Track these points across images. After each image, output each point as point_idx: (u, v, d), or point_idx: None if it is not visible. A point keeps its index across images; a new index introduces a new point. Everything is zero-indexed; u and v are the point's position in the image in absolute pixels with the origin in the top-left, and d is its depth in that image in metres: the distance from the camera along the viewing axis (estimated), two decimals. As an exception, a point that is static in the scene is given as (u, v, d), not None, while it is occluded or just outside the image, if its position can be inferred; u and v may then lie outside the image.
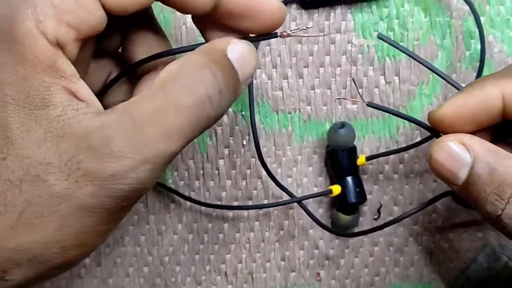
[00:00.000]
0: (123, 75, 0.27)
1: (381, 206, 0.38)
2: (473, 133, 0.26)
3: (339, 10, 0.36)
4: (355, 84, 0.30)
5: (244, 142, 0.38)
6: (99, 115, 0.22)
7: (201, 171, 0.38)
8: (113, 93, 0.28)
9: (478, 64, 0.36)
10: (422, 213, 0.38)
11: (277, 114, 0.37)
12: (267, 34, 0.26)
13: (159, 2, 0.24)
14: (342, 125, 0.35)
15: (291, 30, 0.26)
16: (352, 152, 0.36)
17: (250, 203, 0.38)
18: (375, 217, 0.38)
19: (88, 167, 0.21)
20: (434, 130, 0.27)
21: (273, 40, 0.36)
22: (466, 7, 0.36)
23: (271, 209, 0.38)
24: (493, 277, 0.38)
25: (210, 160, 0.38)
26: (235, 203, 0.38)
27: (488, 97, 0.25)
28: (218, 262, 0.39)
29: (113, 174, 0.21)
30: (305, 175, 0.38)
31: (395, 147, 0.37)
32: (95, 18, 0.22)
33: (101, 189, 0.22)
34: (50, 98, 0.21)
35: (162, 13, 0.36)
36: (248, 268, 0.39)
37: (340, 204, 0.37)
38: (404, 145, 0.36)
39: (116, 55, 0.28)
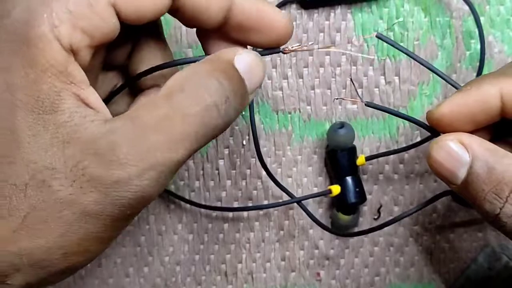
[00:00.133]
0: (125, 86, 0.27)
1: (381, 206, 0.38)
2: (472, 132, 0.26)
3: (339, 10, 0.36)
4: (353, 84, 0.30)
5: (244, 142, 0.38)
6: (105, 122, 0.22)
7: (201, 171, 0.38)
8: (115, 105, 0.28)
9: (478, 64, 0.36)
10: (422, 213, 0.38)
11: (277, 114, 0.37)
12: (270, 48, 0.26)
13: None
14: (342, 125, 0.35)
15: (293, 46, 0.26)
16: (351, 152, 0.36)
17: (250, 203, 0.38)
18: (375, 217, 0.38)
19: (93, 173, 0.21)
20: (433, 129, 0.27)
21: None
22: (466, 7, 0.36)
23: (271, 209, 0.38)
24: (493, 277, 0.38)
25: (210, 160, 0.38)
26: (235, 203, 0.38)
27: (486, 96, 0.25)
28: (218, 262, 0.39)
29: (117, 181, 0.21)
30: (305, 175, 0.38)
31: (395, 147, 0.37)
32: (109, 26, 0.22)
33: (106, 196, 0.22)
34: (59, 104, 0.21)
35: (162, 13, 0.36)
36: (248, 268, 0.39)
37: (339, 204, 0.37)
38: (404, 145, 0.36)
39: (123, 68, 0.28)
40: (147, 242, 0.39)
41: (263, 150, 0.37)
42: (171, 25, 0.36)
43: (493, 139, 0.27)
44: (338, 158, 0.36)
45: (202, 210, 0.38)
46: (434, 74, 0.28)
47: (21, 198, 0.21)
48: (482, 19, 0.36)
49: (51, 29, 0.21)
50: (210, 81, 0.23)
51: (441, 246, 0.39)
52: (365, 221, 0.38)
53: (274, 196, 0.38)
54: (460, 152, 0.25)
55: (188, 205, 0.38)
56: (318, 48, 0.27)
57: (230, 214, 0.38)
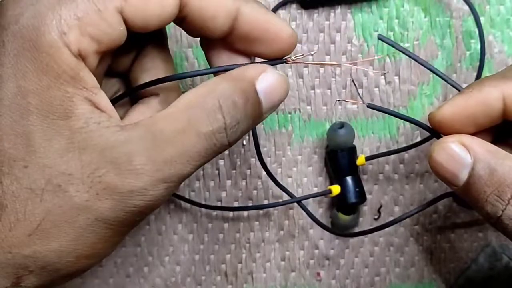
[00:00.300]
0: (127, 95, 0.28)
1: (381, 206, 0.38)
2: (474, 134, 0.26)
3: (339, 10, 0.36)
4: (355, 85, 0.30)
5: (244, 142, 0.38)
6: (121, 129, 0.22)
7: (201, 171, 0.38)
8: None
9: (478, 64, 0.36)
10: (423, 214, 0.38)
11: (277, 114, 0.37)
12: (274, 59, 0.26)
13: None
14: (342, 125, 0.35)
15: (296, 56, 0.26)
16: (351, 152, 0.36)
17: (250, 203, 0.38)
18: (375, 217, 0.38)
19: (110, 181, 0.22)
20: (435, 130, 0.27)
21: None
22: (466, 7, 0.35)
23: (271, 209, 0.38)
24: (494, 278, 0.38)
25: (210, 161, 0.38)
26: (235, 203, 0.38)
27: (488, 99, 0.25)
28: (218, 262, 0.39)
29: (132, 190, 0.22)
30: (305, 175, 0.38)
31: (395, 147, 0.37)
32: (116, 32, 0.22)
33: (120, 204, 0.22)
34: (72, 109, 0.22)
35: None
36: (248, 268, 0.39)
37: (340, 204, 0.37)
38: (404, 145, 0.36)
39: (124, 75, 0.28)
40: (147, 242, 0.39)
41: (263, 150, 0.37)
42: (171, 25, 0.36)
43: (495, 141, 0.27)
44: (338, 158, 0.36)
45: (203, 210, 0.38)
46: (434, 75, 0.28)
47: (37, 202, 0.22)
48: (482, 19, 0.36)
49: (60, 36, 0.21)
50: (227, 102, 0.23)
51: (441, 246, 0.39)
52: (365, 221, 0.38)
53: (274, 196, 0.38)
54: (461, 154, 0.24)
55: (188, 205, 0.38)
56: (322, 63, 0.27)
57: (230, 214, 0.38)
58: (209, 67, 0.27)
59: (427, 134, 0.35)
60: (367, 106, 0.27)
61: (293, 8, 0.36)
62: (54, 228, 0.22)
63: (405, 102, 0.37)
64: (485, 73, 0.36)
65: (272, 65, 0.25)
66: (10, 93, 0.21)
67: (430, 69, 0.28)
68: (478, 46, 0.36)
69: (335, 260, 0.39)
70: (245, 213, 0.38)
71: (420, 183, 0.38)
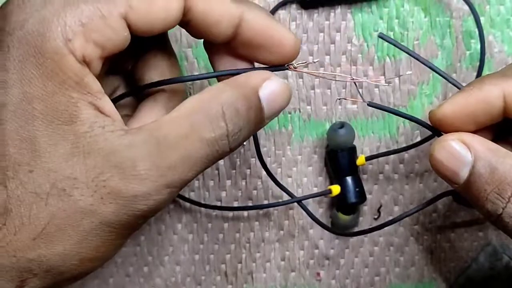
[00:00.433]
0: (131, 94, 0.28)
1: (381, 206, 0.38)
2: (474, 132, 0.26)
3: (339, 10, 0.36)
4: (355, 84, 0.30)
5: (244, 142, 0.38)
6: (126, 133, 0.22)
7: (201, 171, 0.38)
8: (117, 107, 0.29)
9: (478, 64, 0.36)
10: (423, 213, 0.38)
11: (277, 114, 0.37)
12: (275, 65, 0.26)
13: None
14: (342, 125, 0.35)
15: (298, 64, 0.26)
16: (351, 152, 0.36)
17: (250, 203, 0.38)
18: (375, 217, 0.38)
19: (114, 186, 0.22)
20: (435, 129, 0.27)
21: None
22: (466, 7, 0.35)
23: (271, 209, 0.38)
24: (494, 277, 0.38)
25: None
26: (235, 203, 0.38)
27: (489, 97, 0.25)
28: (218, 262, 0.39)
29: (136, 195, 0.22)
30: (305, 175, 0.38)
31: (395, 147, 0.37)
32: (120, 38, 0.22)
33: (123, 208, 0.22)
34: (77, 114, 0.22)
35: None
36: (248, 268, 0.39)
37: (340, 204, 0.37)
38: (404, 145, 0.36)
39: (125, 72, 0.28)
40: (147, 242, 0.39)
41: (263, 150, 0.37)
42: (171, 25, 0.36)
43: (495, 139, 0.27)
44: (338, 158, 0.36)
45: (202, 210, 0.38)
46: (434, 74, 0.28)
47: (42, 206, 0.22)
48: (482, 19, 0.36)
49: (65, 42, 0.21)
50: (230, 109, 0.23)
51: (441, 246, 0.39)
52: (365, 221, 0.38)
53: (274, 196, 0.38)
54: (462, 152, 0.25)
55: (188, 205, 0.38)
56: (324, 73, 0.28)
57: (230, 214, 0.38)
58: (211, 69, 0.27)
59: (427, 134, 0.35)
60: (367, 104, 0.27)
61: (293, 8, 0.36)
62: (59, 231, 0.22)
63: (405, 102, 0.37)
64: (485, 72, 0.36)
65: (273, 71, 0.26)
66: (15, 99, 0.21)
67: (430, 68, 0.28)
68: (478, 46, 0.36)
69: (335, 260, 0.39)
70: (245, 213, 0.38)
71: (420, 183, 0.38)
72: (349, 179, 0.36)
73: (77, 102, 0.22)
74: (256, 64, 0.27)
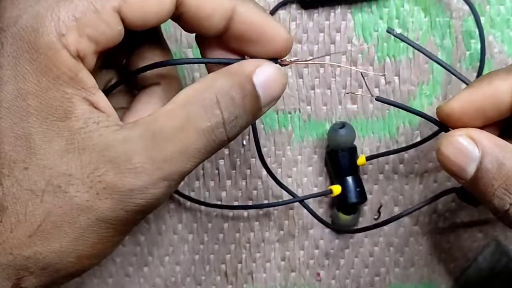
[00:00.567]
0: (122, 82, 0.28)
1: (381, 206, 0.38)
2: (482, 127, 0.26)
3: (339, 10, 0.36)
4: (363, 78, 0.30)
5: (244, 142, 0.38)
6: (120, 128, 0.22)
7: (201, 171, 0.38)
8: (113, 100, 0.28)
9: (478, 64, 0.36)
10: (423, 213, 0.38)
11: (277, 114, 0.37)
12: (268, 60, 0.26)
13: None
14: (342, 125, 0.35)
15: (290, 60, 0.26)
16: (352, 152, 0.36)
17: (250, 203, 0.38)
18: (375, 217, 0.38)
19: (110, 181, 0.22)
20: (443, 124, 0.27)
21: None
22: (466, 7, 0.36)
23: (271, 209, 0.38)
24: (494, 278, 0.38)
25: (210, 160, 0.38)
26: (235, 203, 0.38)
27: (497, 92, 0.25)
28: (218, 262, 0.39)
29: (133, 189, 0.22)
30: (305, 175, 0.38)
31: (395, 147, 0.37)
32: (114, 32, 0.22)
33: (120, 203, 0.22)
34: (72, 110, 0.22)
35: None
36: (248, 268, 0.39)
37: (340, 204, 0.37)
38: (404, 145, 0.36)
39: (118, 65, 0.28)
40: (147, 241, 0.39)
41: (263, 150, 0.37)
42: (170, 25, 0.36)
43: (502, 135, 0.27)
44: (339, 158, 0.36)
45: (202, 209, 0.38)
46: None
47: (38, 203, 0.22)
48: (482, 19, 0.36)
49: (58, 37, 0.21)
50: (224, 97, 0.23)
51: (441, 246, 0.39)
52: (365, 220, 0.38)
53: (275, 196, 0.38)
54: (469, 147, 0.25)
55: (188, 205, 0.38)
56: (313, 59, 0.27)
57: (230, 214, 0.38)
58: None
59: (427, 134, 0.35)
60: (375, 99, 0.27)
61: (293, 8, 0.36)
62: (55, 229, 0.22)
63: (405, 102, 0.37)
64: (485, 73, 0.36)
65: None
66: (9, 96, 0.21)
67: (437, 62, 0.27)
68: (478, 46, 0.36)
69: (335, 260, 0.39)
70: (245, 213, 0.38)
71: (419, 183, 0.38)
72: (349, 179, 0.36)
73: (71, 98, 0.22)
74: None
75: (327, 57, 0.36)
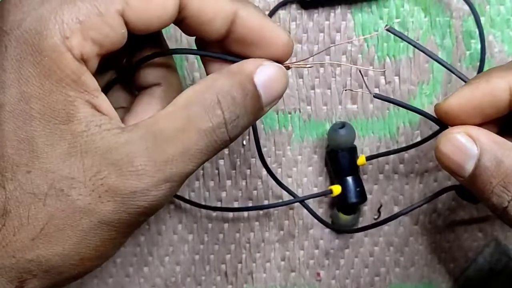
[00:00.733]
0: (118, 79, 0.28)
1: (381, 206, 0.38)
2: (480, 125, 0.26)
3: (339, 10, 0.36)
4: (361, 75, 0.30)
5: (244, 142, 0.38)
6: (122, 131, 0.22)
7: (201, 171, 0.38)
8: (113, 99, 0.28)
9: (478, 64, 0.36)
10: (423, 213, 0.38)
11: (277, 114, 0.37)
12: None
13: None
14: (342, 125, 0.35)
15: (292, 63, 0.26)
16: (352, 152, 0.36)
17: (250, 203, 0.38)
18: (375, 217, 0.38)
19: (112, 183, 0.22)
20: (441, 122, 0.27)
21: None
22: (466, 7, 0.35)
23: (271, 209, 0.38)
24: (494, 277, 0.38)
25: (210, 160, 0.38)
26: (235, 203, 0.38)
27: (495, 89, 0.25)
28: (218, 262, 0.39)
29: (135, 191, 0.22)
30: (305, 175, 0.38)
31: (395, 147, 0.37)
32: (117, 35, 0.22)
33: (122, 205, 0.22)
34: (74, 113, 0.22)
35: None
36: (248, 268, 0.39)
37: (340, 204, 0.37)
38: (404, 145, 0.36)
39: (118, 65, 0.28)
40: (147, 242, 0.39)
41: (263, 150, 0.37)
42: (171, 25, 0.36)
43: (501, 132, 0.27)
44: (339, 158, 0.36)
45: (202, 210, 0.38)
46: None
47: (40, 207, 0.22)
48: (482, 19, 0.36)
49: (62, 40, 0.21)
50: (225, 97, 0.23)
51: (441, 246, 0.39)
52: (365, 220, 0.38)
53: (275, 196, 0.38)
54: (468, 145, 0.24)
55: (188, 205, 0.38)
56: (313, 56, 0.27)
57: (230, 214, 0.38)
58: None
59: (427, 134, 0.35)
60: (373, 96, 0.27)
61: (293, 8, 0.36)
62: (57, 232, 0.22)
63: (405, 102, 0.37)
64: (485, 72, 0.36)
65: None
66: (13, 99, 0.21)
67: (436, 60, 0.27)
68: (478, 46, 0.36)
69: (335, 260, 0.39)
70: (245, 213, 0.38)
71: (419, 183, 0.38)
72: (349, 179, 0.35)
73: (74, 101, 0.22)
74: None
75: (327, 57, 0.37)
